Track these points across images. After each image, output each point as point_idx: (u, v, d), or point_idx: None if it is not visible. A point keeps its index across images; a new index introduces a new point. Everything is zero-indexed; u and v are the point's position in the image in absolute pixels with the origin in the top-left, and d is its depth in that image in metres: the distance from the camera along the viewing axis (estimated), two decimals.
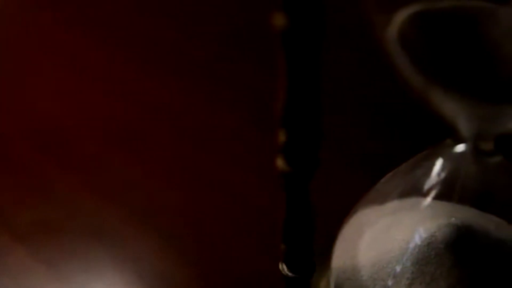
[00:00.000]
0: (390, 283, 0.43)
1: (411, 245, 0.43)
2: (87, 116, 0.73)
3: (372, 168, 0.47)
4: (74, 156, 0.69)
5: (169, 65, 0.79)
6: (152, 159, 0.68)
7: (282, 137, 0.35)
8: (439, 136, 0.42)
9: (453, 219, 0.43)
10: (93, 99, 0.76)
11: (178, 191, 0.64)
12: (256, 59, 0.75)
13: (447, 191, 0.43)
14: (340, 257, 0.46)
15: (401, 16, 0.34)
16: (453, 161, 0.42)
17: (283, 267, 0.43)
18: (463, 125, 0.38)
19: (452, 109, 0.36)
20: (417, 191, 0.44)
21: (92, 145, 0.70)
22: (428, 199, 0.43)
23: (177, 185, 0.65)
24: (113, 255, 0.59)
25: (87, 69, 0.80)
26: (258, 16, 0.43)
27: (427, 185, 0.43)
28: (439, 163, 0.42)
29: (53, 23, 0.88)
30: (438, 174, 0.43)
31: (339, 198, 0.51)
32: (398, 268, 0.43)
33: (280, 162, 0.36)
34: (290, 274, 0.43)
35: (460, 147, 0.41)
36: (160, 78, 0.77)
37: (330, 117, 0.63)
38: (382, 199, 0.45)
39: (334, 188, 0.59)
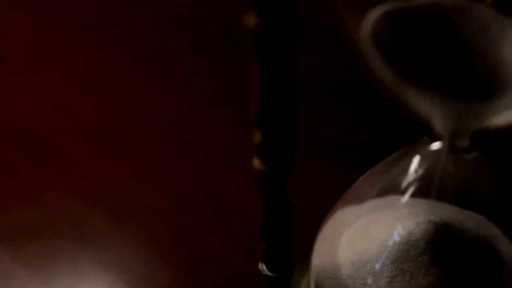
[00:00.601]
0: (369, 281, 0.43)
1: (390, 243, 0.43)
2: (70, 118, 0.73)
3: (351, 166, 0.47)
4: (57, 158, 0.69)
5: (153, 66, 0.79)
6: (135, 161, 0.68)
7: (257, 137, 0.35)
8: (417, 133, 0.42)
9: (432, 216, 0.44)
10: (76, 101, 0.75)
11: (161, 192, 0.64)
12: (241, 58, 0.75)
13: (425, 189, 0.43)
14: (320, 256, 0.46)
15: (373, 15, 0.34)
16: (430, 158, 0.42)
17: (262, 267, 0.43)
18: (439, 123, 0.38)
19: (427, 107, 0.36)
20: (395, 189, 0.44)
21: (75, 147, 0.69)
22: (406, 197, 0.44)
23: (159, 186, 0.65)
24: (96, 258, 0.59)
25: (69, 70, 0.80)
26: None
27: (404, 183, 0.43)
28: (416, 161, 0.43)
29: (34, 23, 0.88)
30: (415, 172, 0.43)
31: (318, 197, 0.51)
32: (377, 266, 0.43)
33: (256, 162, 0.36)
34: (270, 274, 0.43)
35: (436, 145, 0.41)
36: (144, 80, 0.77)
37: (308, 117, 0.63)
38: (360, 198, 0.45)
39: (314, 187, 0.59)
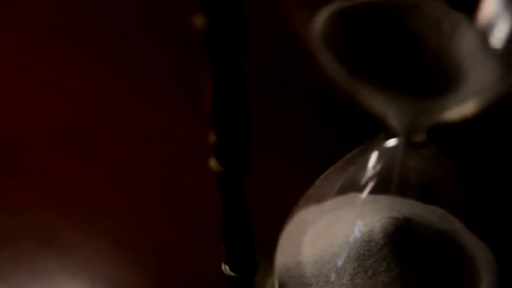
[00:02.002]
0: (332, 278, 0.43)
1: (352, 240, 0.43)
2: (35, 123, 0.73)
3: (312, 164, 0.47)
4: (24, 162, 0.68)
5: (120, 68, 0.78)
6: (100, 165, 0.67)
7: (212, 138, 0.35)
8: (376, 130, 0.42)
9: (393, 212, 0.44)
10: (41, 104, 0.75)
11: (130, 195, 0.64)
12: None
13: (385, 185, 0.43)
14: (283, 255, 0.46)
15: (323, 14, 0.34)
16: (388, 154, 0.42)
17: (225, 268, 0.43)
18: (393, 119, 0.38)
19: (381, 104, 0.36)
20: (356, 187, 0.44)
21: (41, 152, 0.69)
22: (367, 194, 0.44)
23: (128, 189, 0.65)
24: (64, 263, 0.59)
25: (34, 73, 0.79)
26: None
27: (364, 180, 0.43)
28: (374, 158, 0.43)
29: None
30: (375, 169, 0.43)
31: (281, 196, 0.51)
32: (340, 264, 0.43)
33: (212, 163, 0.36)
34: (232, 274, 0.43)
35: (393, 141, 0.41)
36: (111, 82, 0.77)
37: (268, 116, 0.63)
38: (321, 197, 0.45)
39: (276, 186, 0.59)
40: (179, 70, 0.75)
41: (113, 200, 0.64)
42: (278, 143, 0.64)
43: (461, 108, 0.36)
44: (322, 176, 0.46)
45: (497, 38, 0.33)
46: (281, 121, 0.66)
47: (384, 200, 0.44)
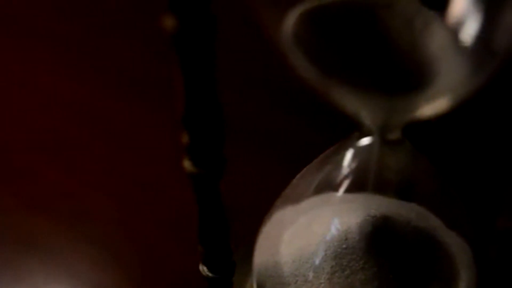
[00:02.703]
0: (310, 278, 0.43)
1: (330, 239, 0.43)
2: (14, 126, 0.72)
3: (289, 164, 0.47)
4: (3, 166, 0.68)
5: (95, 68, 0.78)
6: (80, 167, 0.67)
7: (185, 138, 0.35)
8: (352, 128, 0.42)
9: (370, 210, 0.44)
10: (19, 105, 0.74)
11: (108, 197, 0.64)
12: None
13: (362, 183, 0.43)
14: (261, 255, 0.46)
15: (294, 14, 0.34)
16: (363, 153, 0.42)
17: (203, 268, 0.43)
18: (367, 118, 0.38)
19: (354, 103, 0.36)
20: (332, 186, 0.44)
21: (21, 154, 0.69)
22: (344, 193, 0.44)
23: (106, 192, 0.64)
24: (45, 265, 0.59)
25: (9, 74, 0.78)
26: None
27: (341, 179, 0.43)
28: (350, 157, 0.43)
29: None
30: (351, 167, 0.43)
31: (259, 196, 0.51)
32: (317, 263, 0.43)
33: (186, 164, 0.36)
34: (210, 275, 0.43)
35: (368, 139, 0.41)
36: (88, 83, 0.76)
37: (243, 116, 0.63)
38: (298, 196, 0.46)
39: (254, 186, 0.59)
40: (158, 70, 0.74)
41: (94, 202, 0.63)
42: (255, 143, 0.64)
43: (434, 105, 0.36)
44: (298, 176, 0.46)
45: (468, 36, 0.33)
46: (257, 120, 0.66)
47: (360, 199, 0.44)
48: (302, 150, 0.49)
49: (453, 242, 0.46)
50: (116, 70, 0.77)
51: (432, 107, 0.36)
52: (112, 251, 0.59)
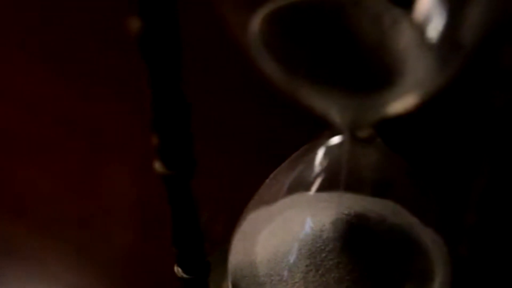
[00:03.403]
0: (285, 277, 0.43)
1: (304, 238, 0.44)
2: None
3: (266, 162, 0.47)
4: None
5: (63, 66, 0.76)
6: (57, 170, 0.67)
7: (155, 140, 0.35)
8: (323, 128, 0.42)
9: (344, 208, 0.44)
10: None
11: (83, 199, 0.64)
12: None
13: (335, 182, 0.43)
14: (236, 255, 0.46)
15: (260, 14, 0.34)
16: (335, 151, 0.42)
17: (178, 270, 0.43)
18: (336, 117, 0.38)
19: (322, 103, 0.36)
20: (305, 186, 0.44)
21: None
22: (317, 192, 0.44)
23: (81, 194, 0.64)
24: (24, 269, 0.59)
25: None
26: None
27: (313, 179, 0.44)
28: (321, 156, 0.43)
29: None
30: (322, 166, 0.43)
31: (236, 195, 0.51)
32: (292, 262, 0.43)
33: (157, 165, 0.36)
34: (185, 276, 0.43)
35: (339, 137, 0.42)
36: (64, 86, 0.75)
37: (216, 117, 0.63)
38: (272, 197, 0.46)
39: (229, 187, 0.59)
40: (130, 71, 0.74)
41: (70, 204, 0.63)
42: (229, 143, 0.64)
43: (402, 102, 0.36)
44: (271, 176, 0.46)
45: (434, 32, 0.34)
46: (230, 120, 0.66)
47: (334, 197, 0.44)
48: (277, 150, 0.49)
49: (429, 238, 0.46)
50: (90, 71, 0.76)
51: (400, 104, 0.36)
52: (89, 252, 0.59)
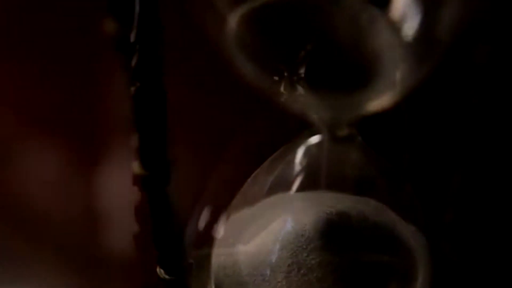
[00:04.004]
0: (267, 277, 0.43)
1: (286, 237, 0.44)
2: None
3: (249, 162, 0.48)
4: None
5: (40, 71, 0.76)
6: (34, 169, 0.66)
7: (135, 141, 0.35)
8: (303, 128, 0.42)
9: (325, 207, 0.44)
10: None
11: (65, 200, 0.63)
12: None
13: (315, 181, 0.43)
14: (219, 256, 0.46)
15: (236, 15, 0.34)
16: (315, 151, 0.42)
17: (160, 271, 0.43)
18: (315, 116, 0.38)
19: (300, 103, 0.37)
20: (286, 186, 0.44)
21: None
22: (298, 192, 0.44)
23: (63, 195, 0.64)
24: (6, 273, 0.59)
25: None
26: None
27: (294, 179, 0.44)
28: (301, 156, 0.43)
29: None
30: (303, 166, 0.43)
31: (218, 196, 0.51)
32: (274, 262, 0.43)
33: (134, 166, 0.36)
34: (167, 277, 0.43)
35: (318, 137, 0.42)
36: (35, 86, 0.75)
37: (196, 119, 0.63)
38: (253, 197, 0.46)
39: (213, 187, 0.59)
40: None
41: (53, 208, 0.63)
42: (208, 144, 0.64)
43: (379, 100, 0.36)
44: (252, 176, 0.46)
45: (410, 30, 0.34)
46: (210, 122, 0.66)
47: (315, 196, 0.44)
48: (257, 150, 0.49)
49: (411, 236, 0.46)
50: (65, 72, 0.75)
51: (378, 102, 0.36)
52: (74, 257, 0.59)
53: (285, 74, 0.35)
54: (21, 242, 0.60)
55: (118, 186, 0.64)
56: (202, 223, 0.45)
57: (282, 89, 0.36)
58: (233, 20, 0.34)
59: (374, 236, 0.45)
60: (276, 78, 0.35)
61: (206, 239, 0.47)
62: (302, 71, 0.35)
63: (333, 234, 0.43)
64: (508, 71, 0.42)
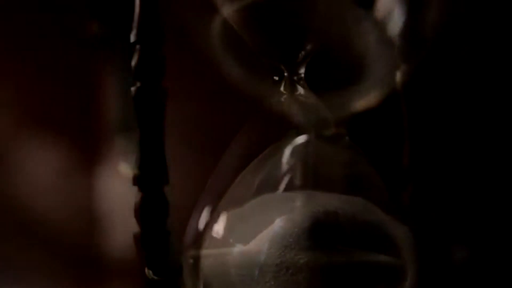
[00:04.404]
0: (256, 277, 0.43)
1: (274, 237, 0.44)
2: None
3: (239, 163, 0.48)
4: None
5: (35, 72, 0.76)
6: (31, 170, 0.66)
7: (121, 141, 0.35)
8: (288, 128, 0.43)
9: (313, 207, 0.44)
10: None
11: (56, 202, 0.63)
12: None
13: (303, 181, 0.43)
14: (208, 256, 0.46)
15: (224, 13, 0.34)
16: (301, 150, 0.42)
17: (148, 272, 0.43)
18: (301, 116, 0.38)
19: (285, 103, 0.37)
20: (273, 186, 0.44)
21: None
22: (286, 191, 0.44)
23: (54, 196, 0.64)
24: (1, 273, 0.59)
25: None
26: None
27: (281, 178, 0.44)
28: (288, 155, 0.43)
29: None
30: (290, 166, 0.43)
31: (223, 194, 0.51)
32: (263, 262, 0.43)
33: (120, 166, 0.36)
34: (155, 277, 0.43)
35: (305, 136, 0.42)
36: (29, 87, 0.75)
37: (187, 119, 0.63)
38: (241, 198, 0.46)
39: (200, 188, 0.59)
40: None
41: (52, 209, 0.63)
42: (198, 145, 0.64)
43: (364, 100, 0.36)
44: (239, 177, 0.46)
45: (395, 30, 0.34)
46: (198, 123, 0.66)
47: (303, 196, 0.44)
48: (244, 150, 0.49)
49: (399, 235, 0.46)
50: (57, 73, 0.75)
51: (362, 101, 0.36)
52: (66, 261, 0.59)
53: (285, 74, 0.35)
54: (20, 242, 0.60)
55: (118, 186, 0.64)
56: (201, 223, 0.45)
57: (282, 88, 0.36)
58: (217, 20, 0.34)
59: (362, 236, 0.45)
60: (276, 78, 0.35)
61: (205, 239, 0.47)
62: (301, 71, 0.35)
63: (321, 234, 0.44)
64: (508, 71, 0.42)
